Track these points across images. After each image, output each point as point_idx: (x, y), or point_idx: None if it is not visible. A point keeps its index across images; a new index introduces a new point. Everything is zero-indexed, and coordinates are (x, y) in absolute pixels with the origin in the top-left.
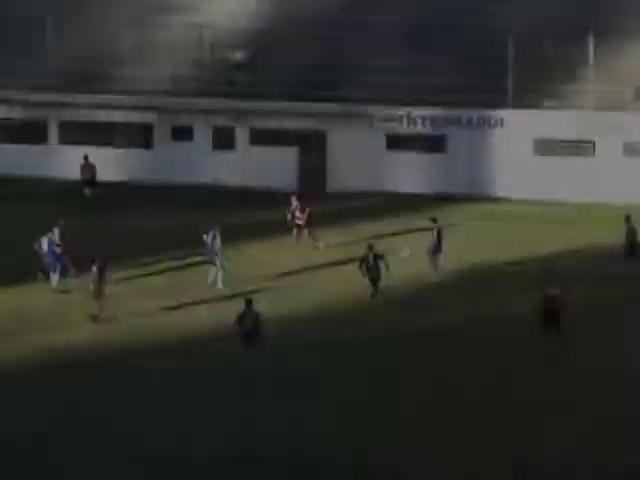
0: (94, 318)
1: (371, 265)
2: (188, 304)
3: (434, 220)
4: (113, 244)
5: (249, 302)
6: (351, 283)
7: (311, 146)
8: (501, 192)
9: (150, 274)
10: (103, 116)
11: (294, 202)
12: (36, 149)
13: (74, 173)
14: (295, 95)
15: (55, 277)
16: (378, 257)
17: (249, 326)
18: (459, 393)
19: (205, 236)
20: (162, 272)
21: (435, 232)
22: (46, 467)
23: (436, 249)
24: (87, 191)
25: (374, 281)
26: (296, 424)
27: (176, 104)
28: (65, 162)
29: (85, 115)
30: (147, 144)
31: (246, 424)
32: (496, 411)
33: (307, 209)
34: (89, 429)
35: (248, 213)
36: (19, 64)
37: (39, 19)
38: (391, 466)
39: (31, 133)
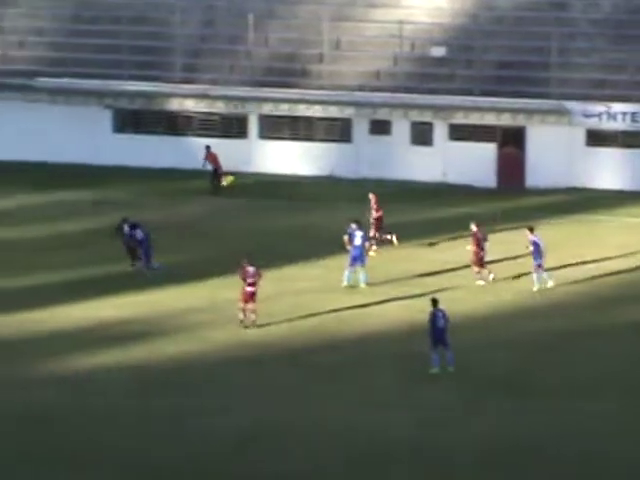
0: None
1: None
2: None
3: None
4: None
5: (435, 302)
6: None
7: (510, 142)
8: None
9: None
10: (303, 111)
11: (372, 200)
12: (236, 143)
13: (274, 167)
14: (493, 91)
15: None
16: None
17: (440, 324)
18: None
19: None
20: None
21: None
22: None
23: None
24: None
25: None
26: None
27: (375, 99)
28: (264, 156)
29: (285, 110)
30: (346, 138)
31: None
32: None
33: (379, 211)
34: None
35: (443, 209)
36: (221, 60)
37: (241, 15)
38: None
39: (232, 128)
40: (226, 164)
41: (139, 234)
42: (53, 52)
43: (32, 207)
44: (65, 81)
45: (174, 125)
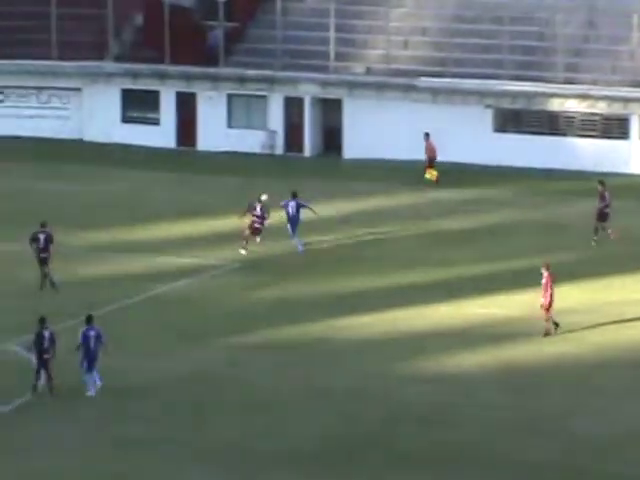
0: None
1: None
2: None
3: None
4: None
5: None
6: None
7: None
8: None
9: None
10: None
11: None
12: (616, 144)
13: None
14: None
15: None
16: None
17: None
18: None
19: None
20: None
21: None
22: None
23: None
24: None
25: None
26: None
27: None
28: None
29: None
30: None
31: None
32: None
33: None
34: None
35: None
36: (603, 60)
37: (625, 15)
38: None
39: (612, 128)
40: (604, 165)
41: None
42: (435, 52)
43: (408, 206)
44: (446, 81)
45: (555, 125)
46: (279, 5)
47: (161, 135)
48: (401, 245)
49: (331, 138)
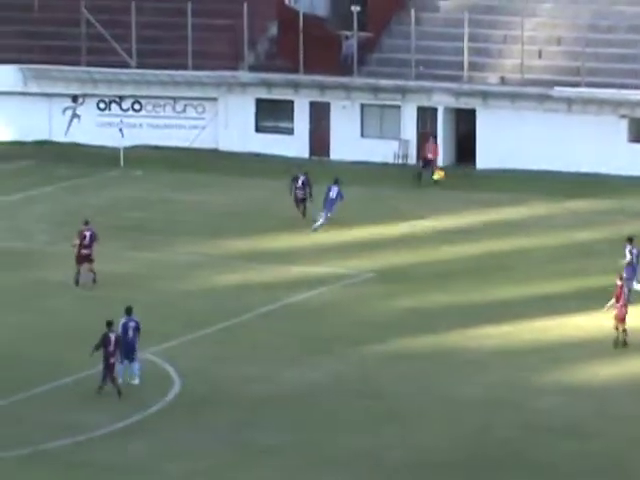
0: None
1: None
2: None
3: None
4: None
5: None
6: None
7: None
8: None
9: None
10: None
11: None
12: None
13: None
14: None
15: None
16: None
17: None
18: None
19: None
20: None
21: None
22: None
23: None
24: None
25: None
26: None
27: None
28: None
29: None
30: None
31: None
32: None
33: None
34: None
35: None
36: None
37: None
38: None
39: None
40: None
41: None
42: (570, 61)
43: (546, 216)
44: (581, 90)
45: None
46: (413, 15)
47: (295, 145)
48: (536, 255)
49: (465, 148)
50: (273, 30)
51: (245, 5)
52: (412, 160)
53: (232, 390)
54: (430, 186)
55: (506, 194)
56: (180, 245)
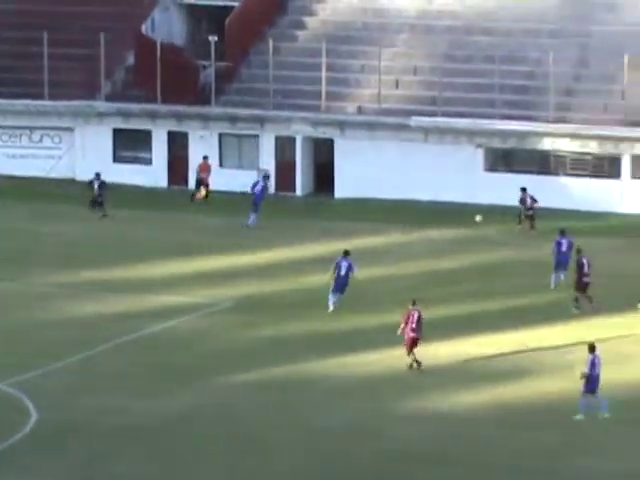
0: None
1: None
2: None
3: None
4: None
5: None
6: None
7: None
8: None
9: None
10: None
11: None
12: (608, 184)
13: None
14: None
15: None
16: None
17: None
18: None
19: None
20: None
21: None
22: None
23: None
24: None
25: None
26: None
27: None
28: (637, 197)
29: None
30: None
31: None
32: None
33: None
34: None
35: None
36: (594, 100)
37: (616, 54)
38: None
39: (604, 168)
40: (596, 205)
41: None
42: (427, 91)
43: (404, 244)
44: (438, 120)
45: (546, 164)
46: (271, 45)
47: (153, 175)
48: (394, 284)
49: (323, 177)
50: (130, 59)
51: (102, 34)
52: (270, 190)
53: (87, 421)
54: (201, 204)
55: (364, 223)
56: (35, 275)
